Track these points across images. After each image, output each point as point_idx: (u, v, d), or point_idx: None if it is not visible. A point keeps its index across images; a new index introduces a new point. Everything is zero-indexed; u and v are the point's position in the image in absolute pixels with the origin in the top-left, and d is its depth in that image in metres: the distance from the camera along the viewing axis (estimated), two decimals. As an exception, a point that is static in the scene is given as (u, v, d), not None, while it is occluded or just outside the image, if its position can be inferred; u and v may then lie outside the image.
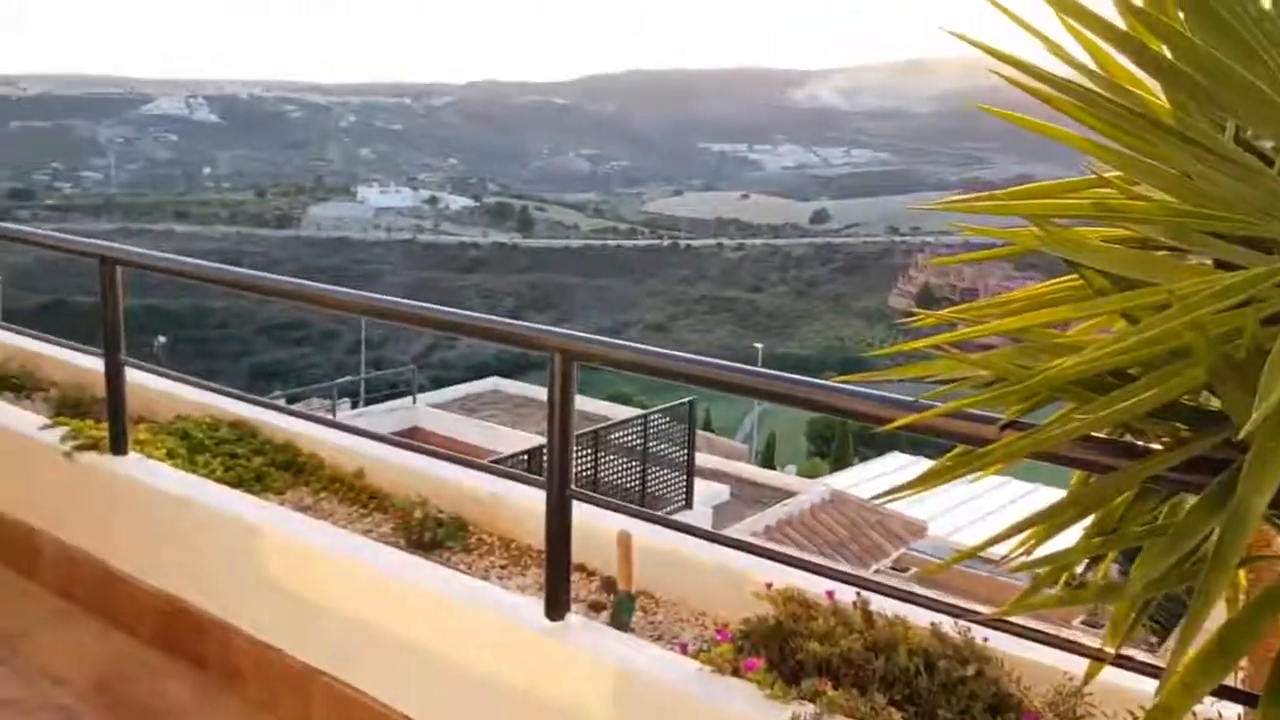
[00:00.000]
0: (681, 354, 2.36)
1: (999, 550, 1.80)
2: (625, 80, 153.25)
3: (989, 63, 1.57)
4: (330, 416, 21.17)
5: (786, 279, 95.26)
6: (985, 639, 2.58)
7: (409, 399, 21.63)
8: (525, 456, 11.62)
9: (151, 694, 3.26)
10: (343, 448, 3.95)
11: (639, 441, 13.64)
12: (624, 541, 2.79)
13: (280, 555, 3.16)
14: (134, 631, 3.55)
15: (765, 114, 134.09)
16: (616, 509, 2.56)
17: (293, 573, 3.14)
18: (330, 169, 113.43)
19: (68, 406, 4.34)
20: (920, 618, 2.60)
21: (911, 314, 2.00)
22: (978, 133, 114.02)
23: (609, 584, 3.16)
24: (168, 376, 3.76)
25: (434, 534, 3.35)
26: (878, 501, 15.60)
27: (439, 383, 26.21)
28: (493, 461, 11.92)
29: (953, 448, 1.87)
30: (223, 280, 3.31)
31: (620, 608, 2.84)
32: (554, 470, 2.52)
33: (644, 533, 2.94)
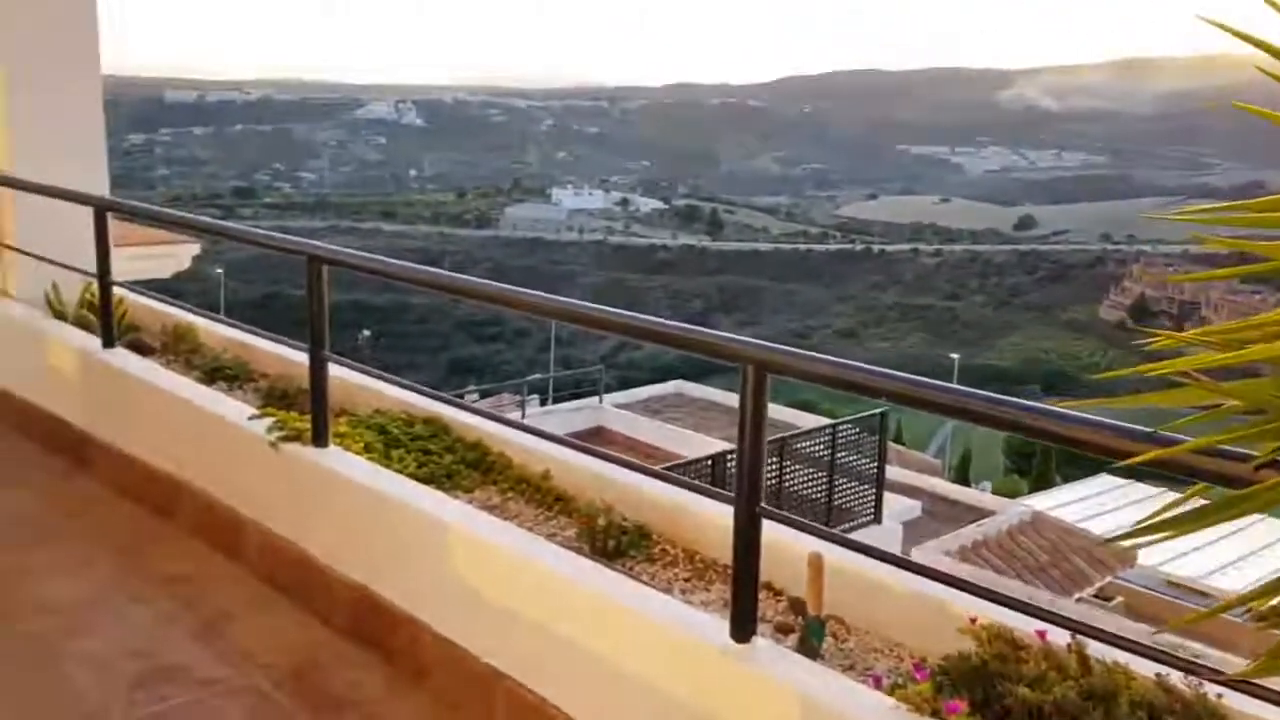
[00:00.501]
0: (880, 369, 2.23)
1: (1221, 583, 1.59)
2: (822, 82, 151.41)
3: (1225, 61, 1.37)
4: (520, 414, 21.80)
5: (986, 287, 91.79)
6: (1219, 695, 2.33)
7: (595, 399, 21.97)
8: (709, 462, 11.56)
9: (343, 684, 3.36)
10: (530, 448, 3.98)
11: (826, 452, 13.36)
12: (815, 564, 2.67)
13: (468, 554, 3.20)
14: (329, 620, 3.68)
15: (968, 115, 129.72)
16: (809, 530, 2.44)
17: (480, 573, 3.16)
18: (527, 171, 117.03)
19: (275, 398, 4.56)
20: (1144, 667, 2.37)
21: (1149, 333, 1.80)
22: (1201, 136, 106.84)
23: (797, 605, 3.05)
24: (367, 373, 3.89)
25: (618, 542, 3.31)
26: (1124, 543, 14.76)
27: (625, 383, 26.54)
28: (676, 467, 11.95)
29: (1191, 482, 1.68)
30: (420, 281, 3.38)
31: (810, 632, 2.72)
32: (743, 485, 2.42)
33: (836, 553, 2.81)
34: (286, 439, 3.83)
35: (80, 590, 3.90)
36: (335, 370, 3.90)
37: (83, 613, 3.74)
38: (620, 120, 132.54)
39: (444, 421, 4.20)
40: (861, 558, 2.88)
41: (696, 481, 2.89)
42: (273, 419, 3.96)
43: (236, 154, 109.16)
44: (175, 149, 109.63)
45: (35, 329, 5.39)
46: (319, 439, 3.76)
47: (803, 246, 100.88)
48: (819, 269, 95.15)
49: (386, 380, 3.87)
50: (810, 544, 2.75)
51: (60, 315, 5.62)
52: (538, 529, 3.56)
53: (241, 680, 3.33)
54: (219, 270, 56.43)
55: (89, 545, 4.29)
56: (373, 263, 3.50)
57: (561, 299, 3.06)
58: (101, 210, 4.78)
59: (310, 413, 3.78)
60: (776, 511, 2.42)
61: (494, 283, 3.16)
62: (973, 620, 2.67)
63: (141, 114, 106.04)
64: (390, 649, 3.46)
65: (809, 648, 2.68)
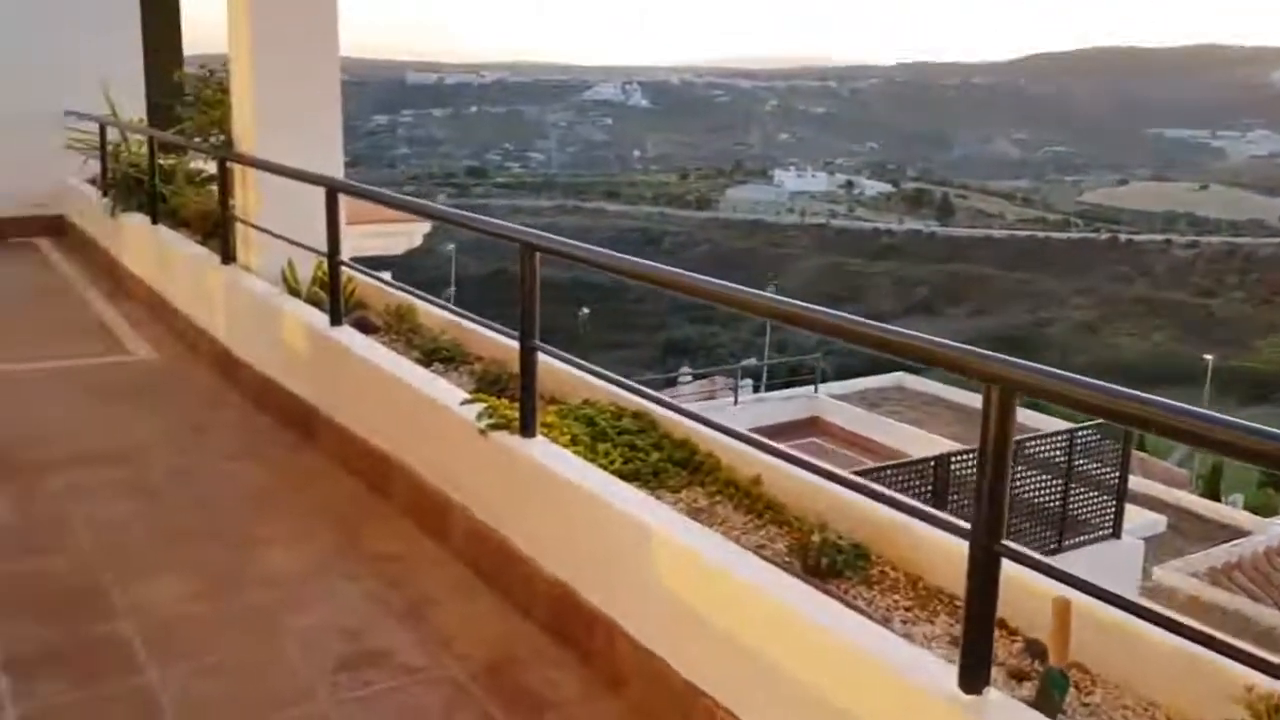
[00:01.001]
0: (1159, 401, 1.91)
1: None
2: (1068, 60, 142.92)
3: None
4: (733, 399, 21.64)
5: (1246, 283, 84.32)
6: None
7: (810, 387, 21.55)
8: (932, 464, 11.04)
9: (540, 682, 3.30)
10: (741, 449, 3.80)
11: (1063, 457, 12.52)
12: (1062, 610, 2.36)
13: (670, 561, 3.05)
14: (528, 613, 3.64)
15: (1232, 96, 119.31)
16: (1062, 577, 2.14)
17: (683, 583, 3.01)
18: (750, 153, 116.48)
19: (488, 382, 4.57)
20: None
21: None
22: None
23: (1035, 648, 2.74)
24: (577, 365, 3.81)
25: (832, 560, 3.08)
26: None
27: (842, 373, 25.89)
28: (897, 467, 11.48)
29: None
30: (628, 271, 3.25)
31: (1051, 684, 2.42)
32: (981, 518, 2.15)
33: (1078, 594, 2.49)
34: (495, 427, 3.80)
35: (300, 564, 4.02)
36: (547, 356, 3.84)
37: (300, 587, 3.84)
38: (848, 100, 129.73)
39: (652, 416, 4.08)
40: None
41: (930, 510, 2.62)
42: (483, 405, 3.94)
43: (471, 134, 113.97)
44: (415, 129, 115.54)
45: (271, 305, 5.65)
46: (526, 429, 3.71)
47: (1040, 234, 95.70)
48: (1057, 258, 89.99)
49: (595, 375, 3.77)
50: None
51: (294, 292, 5.87)
52: (746, 538, 3.38)
53: (440, 670, 3.32)
54: (451, 246, 59.11)
55: (311, 518, 4.44)
56: (584, 251, 3.40)
57: (774, 297, 2.85)
58: (333, 191, 4.93)
59: (519, 402, 3.74)
60: (1021, 552, 2.13)
61: (702, 276, 2.98)
62: (1249, 689, 2.30)
63: (385, 96, 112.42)
64: (588, 650, 3.37)
65: (1049, 703, 2.38)
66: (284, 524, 4.40)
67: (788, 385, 23.62)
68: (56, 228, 10.25)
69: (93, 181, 9.28)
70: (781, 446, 3.00)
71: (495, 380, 4.56)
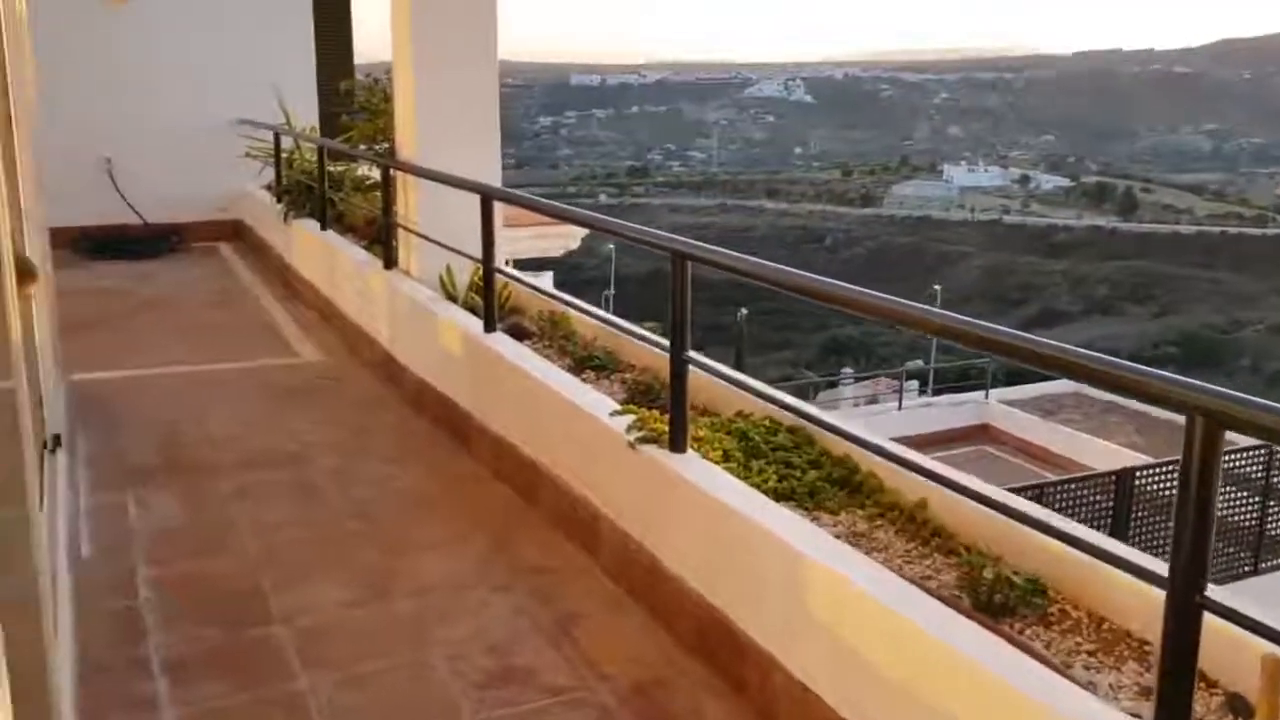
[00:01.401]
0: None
1: None
2: (1266, 45, 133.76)
3: None
4: (896, 404, 21.04)
5: None
6: None
7: (980, 392, 20.75)
8: (1113, 479, 10.41)
9: (688, 710, 3.18)
10: (905, 469, 3.59)
11: (1259, 471, 11.63)
12: (1273, 670, 2.09)
13: (826, 591, 2.89)
14: (677, 635, 3.53)
15: None
16: (1270, 635, 1.89)
17: (840, 615, 2.84)
18: (917, 148, 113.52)
19: (639, 392, 4.49)
20: None
21: None
22: None
23: (1236, 704, 2.46)
24: (728, 379, 3.67)
25: (1005, 597, 2.85)
26: None
27: (1014, 377, 24.83)
28: (1074, 480, 10.87)
29: None
30: (779, 282, 3.10)
31: (1258, 753, 2.14)
32: (1180, 565, 1.92)
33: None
34: (644, 440, 3.71)
35: (451, 573, 4.03)
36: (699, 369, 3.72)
37: (450, 597, 3.84)
38: (1023, 92, 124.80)
39: (809, 432, 3.91)
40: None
41: (1119, 554, 2.37)
42: (633, 417, 3.86)
43: (632, 134, 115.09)
44: (578, 130, 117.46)
45: (428, 311, 5.73)
46: (676, 444, 3.61)
47: (1233, 230, 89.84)
48: (1253, 256, 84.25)
49: (748, 390, 3.63)
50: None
51: (452, 298, 5.94)
52: (910, 567, 3.18)
53: (586, 692, 3.24)
54: (610, 246, 59.71)
55: (464, 525, 4.45)
56: (735, 261, 3.27)
57: (940, 311, 2.66)
58: (487, 198, 4.95)
59: (669, 415, 3.63)
60: (1229, 607, 1.89)
61: (854, 287, 2.80)
62: None
63: (550, 98, 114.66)
64: (739, 679, 3.23)
65: (1257, 774, 2.11)
66: (437, 530, 4.43)
67: (956, 389, 22.80)
68: (235, 232, 10.77)
69: (268, 188, 9.69)
70: (947, 471, 2.79)
71: (647, 390, 4.47)
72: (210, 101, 10.46)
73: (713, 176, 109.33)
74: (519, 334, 5.44)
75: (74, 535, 4.21)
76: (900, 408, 20.16)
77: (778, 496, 3.57)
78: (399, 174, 6.38)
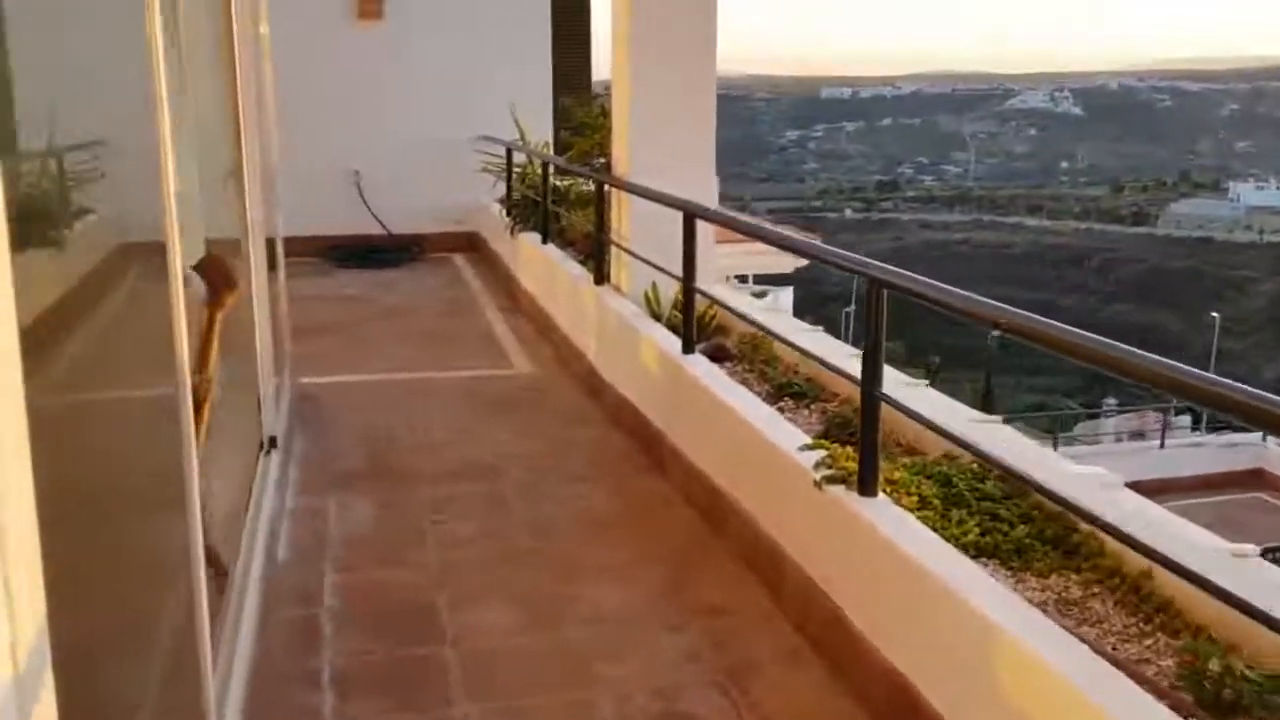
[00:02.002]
0: None
1: None
2: None
3: None
4: (1159, 441, 19.38)
5: None
6: None
7: (1258, 433, 18.82)
8: None
9: (860, 784, 2.90)
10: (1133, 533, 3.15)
11: None
12: None
13: (1018, 669, 2.54)
14: (856, 696, 3.24)
15: None
16: None
17: (1033, 700, 2.49)
18: (1198, 163, 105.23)
19: (836, 425, 4.21)
20: None
21: None
22: None
23: None
24: (919, 420, 3.33)
25: (1236, 694, 2.41)
26: None
27: (1301, 418, 22.31)
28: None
29: None
30: (991, 319, 2.76)
31: None
32: None
33: None
34: (831, 480, 3.44)
35: (626, 603, 3.89)
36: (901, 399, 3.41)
37: (621, 631, 3.71)
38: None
39: (1026, 480, 3.51)
40: None
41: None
42: (823, 453, 3.60)
43: (882, 148, 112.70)
44: (825, 144, 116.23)
45: (631, 327, 5.64)
46: (866, 486, 3.32)
47: None
48: None
49: (938, 431, 3.28)
50: None
51: (656, 315, 5.84)
52: (1125, 647, 2.77)
53: (750, 752, 3.02)
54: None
55: (645, 550, 4.32)
56: (936, 291, 2.96)
57: (1181, 367, 2.25)
58: (689, 215, 4.80)
59: (859, 455, 3.35)
60: None
61: (1081, 331, 2.44)
62: None
63: (799, 111, 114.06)
64: (922, 757, 2.91)
65: None
66: (617, 554, 4.31)
67: (1233, 428, 20.81)
68: (470, 244, 11.16)
69: (501, 201, 9.96)
70: (1170, 555, 2.38)
71: (846, 423, 4.18)
72: (453, 117, 10.89)
73: (967, 191, 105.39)
74: (719, 356, 5.27)
75: (273, 537, 4.37)
76: (1163, 445, 18.57)
77: (979, 552, 3.22)
78: (613, 189, 6.35)
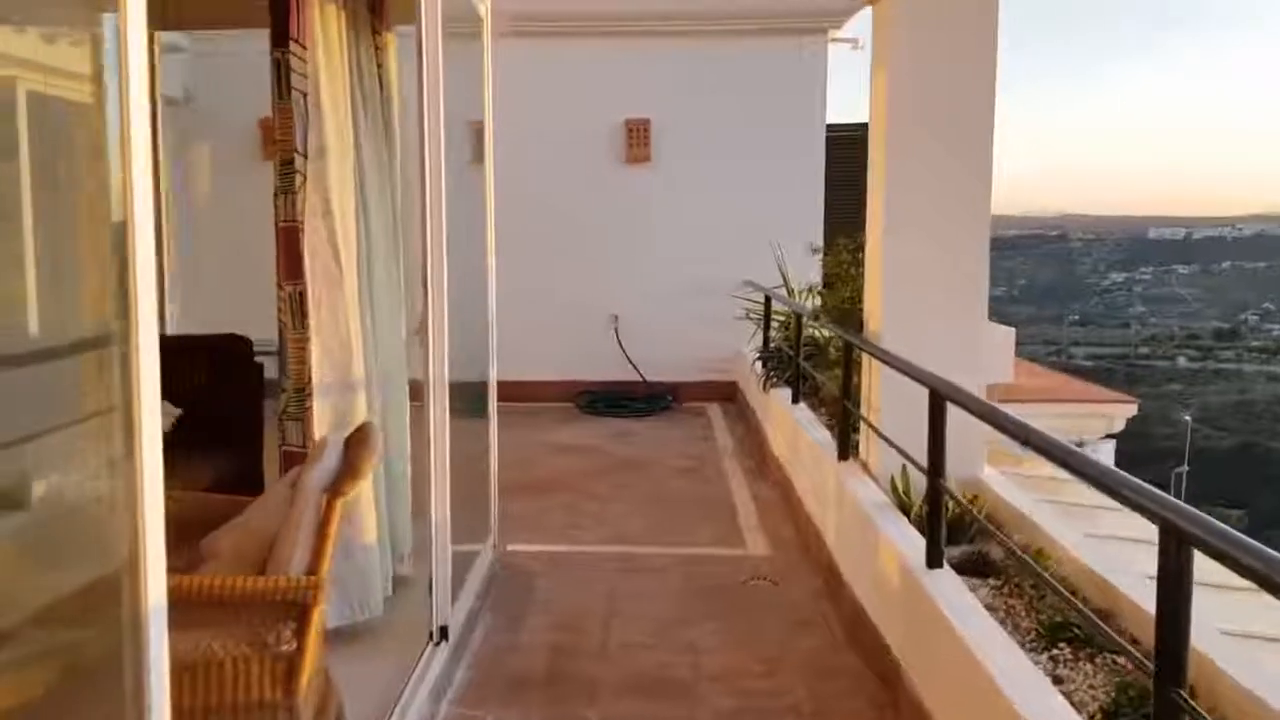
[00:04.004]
0: None
1: None
2: None
3: None
4: None
5: None
6: None
7: None
8: None
9: None
10: None
11: None
12: None
13: None
14: None
15: None
16: None
17: None
18: None
19: (1131, 699, 3.08)
20: None
21: None
22: None
23: None
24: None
25: None
26: None
27: None
28: None
29: None
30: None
31: None
32: None
33: None
34: None
35: None
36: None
37: None
38: None
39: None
40: None
41: None
42: None
43: (1221, 292, 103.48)
44: (1154, 287, 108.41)
45: (870, 520, 4.70)
46: None
47: None
48: None
49: None
50: None
51: (905, 508, 4.88)
52: None
53: None
54: (1186, 417, 53.18)
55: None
56: (998, 415, 1.93)
57: None
58: (936, 395, 3.88)
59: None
60: None
61: None
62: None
63: (1124, 253, 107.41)
64: None
65: None
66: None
67: None
68: (728, 394, 10.52)
69: (758, 351, 9.29)
70: None
71: (1142, 699, 3.05)
72: (717, 261, 10.44)
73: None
74: (979, 568, 4.23)
75: (408, 759, 3.74)
76: None
77: None
78: (862, 350, 5.51)
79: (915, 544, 4.27)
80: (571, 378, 10.60)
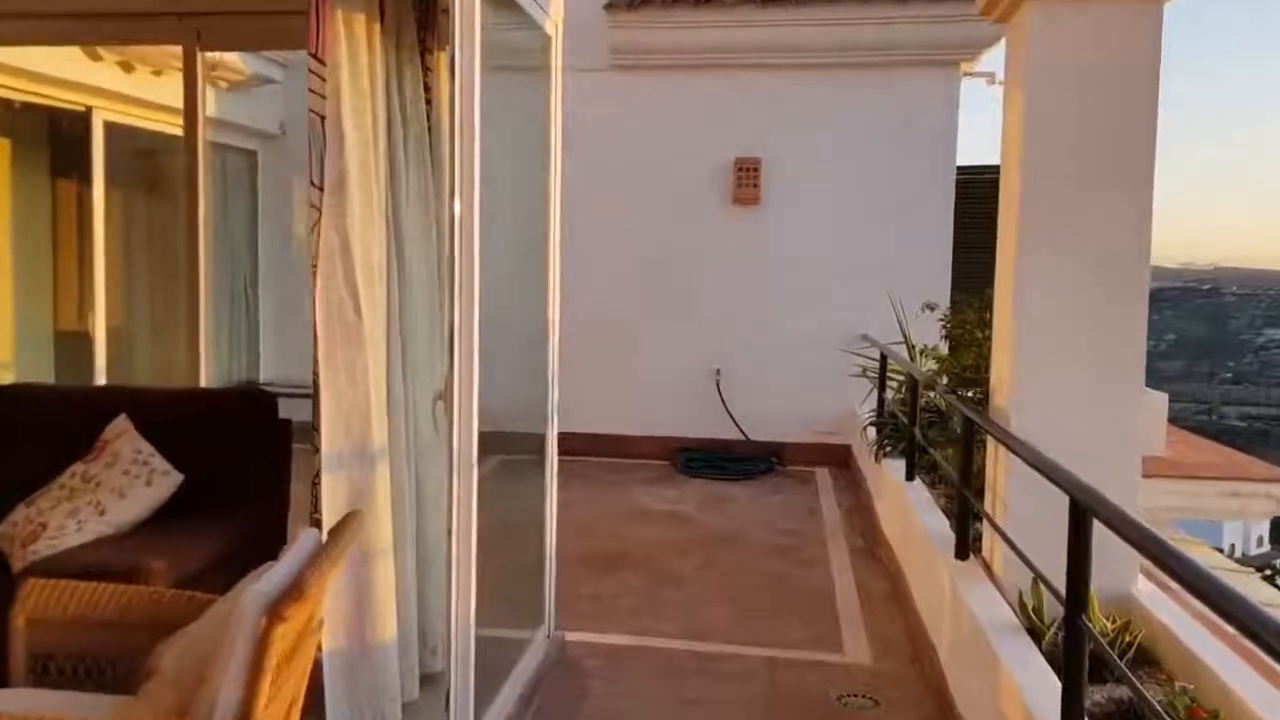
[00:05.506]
0: None
1: None
2: None
3: None
4: None
5: None
6: None
7: None
8: None
9: None
10: None
11: None
12: None
13: None
14: None
15: None
16: None
17: None
18: None
19: None
20: None
21: None
22: None
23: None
24: None
25: None
26: None
27: None
28: None
29: None
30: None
31: None
32: None
33: None
34: None
35: None
36: None
37: None
38: None
39: None
40: None
41: None
42: None
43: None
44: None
45: (990, 645, 3.83)
46: None
47: None
48: None
49: None
50: None
51: (1036, 631, 3.98)
52: None
53: None
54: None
55: None
56: None
57: None
58: (1079, 506, 3.02)
59: None
60: None
61: None
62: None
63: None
64: None
65: None
66: None
67: None
68: (839, 459, 9.64)
69: (873, 414, 8.42)
70: None
71: None
72: (831, 313, 9.62)
73: None
74: (1127, 716, 3.33)
75: None
76: None
77: None
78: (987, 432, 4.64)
79: (1048, 685, 3.39)
80: (669, 433, 9.88)
